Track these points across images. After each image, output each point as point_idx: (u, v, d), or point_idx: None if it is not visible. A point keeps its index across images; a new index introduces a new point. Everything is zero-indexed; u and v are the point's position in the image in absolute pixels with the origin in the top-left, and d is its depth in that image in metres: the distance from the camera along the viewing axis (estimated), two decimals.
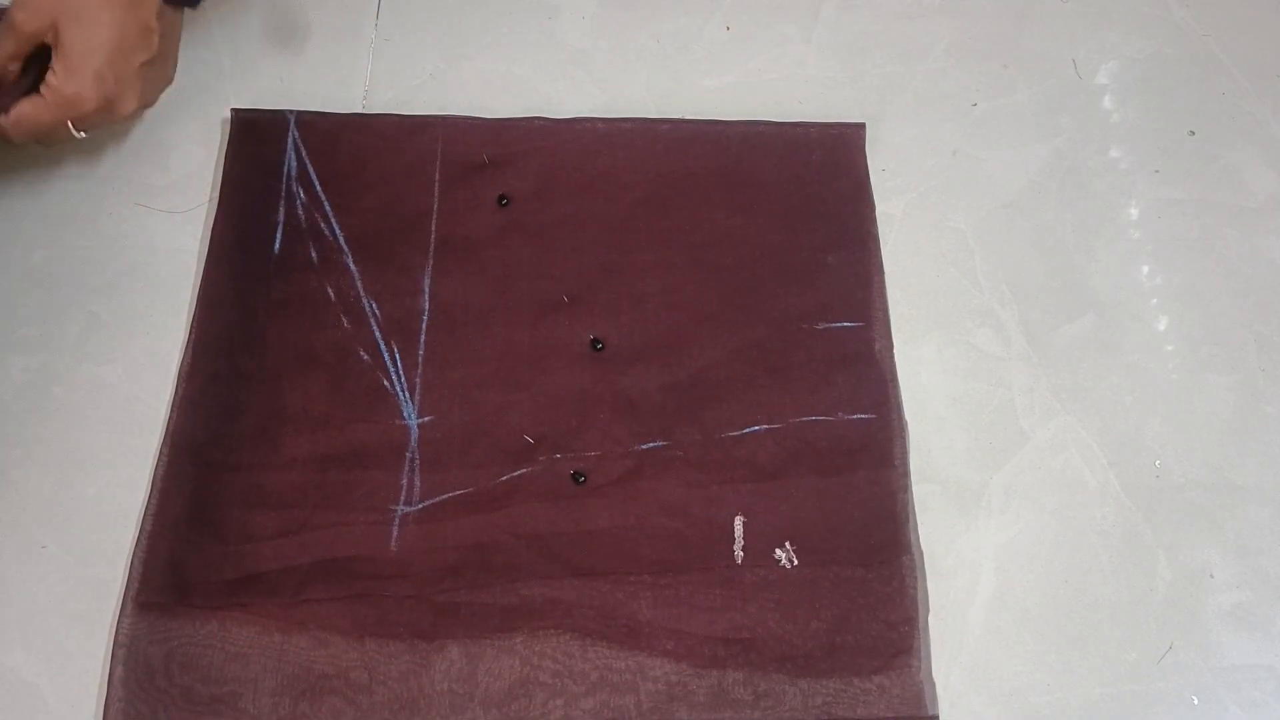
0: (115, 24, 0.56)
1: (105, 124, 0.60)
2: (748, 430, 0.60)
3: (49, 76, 0.57)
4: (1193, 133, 0.71)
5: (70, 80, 0.56)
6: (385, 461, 0.58)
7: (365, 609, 0.54)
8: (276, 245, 0.63)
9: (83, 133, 0.59)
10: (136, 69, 0.58)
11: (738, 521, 0.57)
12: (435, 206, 0.65)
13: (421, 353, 0.61)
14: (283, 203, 0.64)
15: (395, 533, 0.56)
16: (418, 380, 0.60)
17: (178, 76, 0.64)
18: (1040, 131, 0.70)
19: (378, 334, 0.61)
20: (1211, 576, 0.57)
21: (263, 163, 0.66)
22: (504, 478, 0.58)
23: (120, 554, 0.55)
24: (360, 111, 0.68)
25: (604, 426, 0.59)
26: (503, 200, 0.66)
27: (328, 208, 0.64)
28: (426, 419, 0.59)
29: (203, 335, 0.61)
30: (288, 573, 0.55)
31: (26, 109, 0.57)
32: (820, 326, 0.63)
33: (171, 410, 0.59)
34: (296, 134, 0.66)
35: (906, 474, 0.59)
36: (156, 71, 0.61)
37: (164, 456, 0.57)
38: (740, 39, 0.73)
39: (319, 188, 0.65)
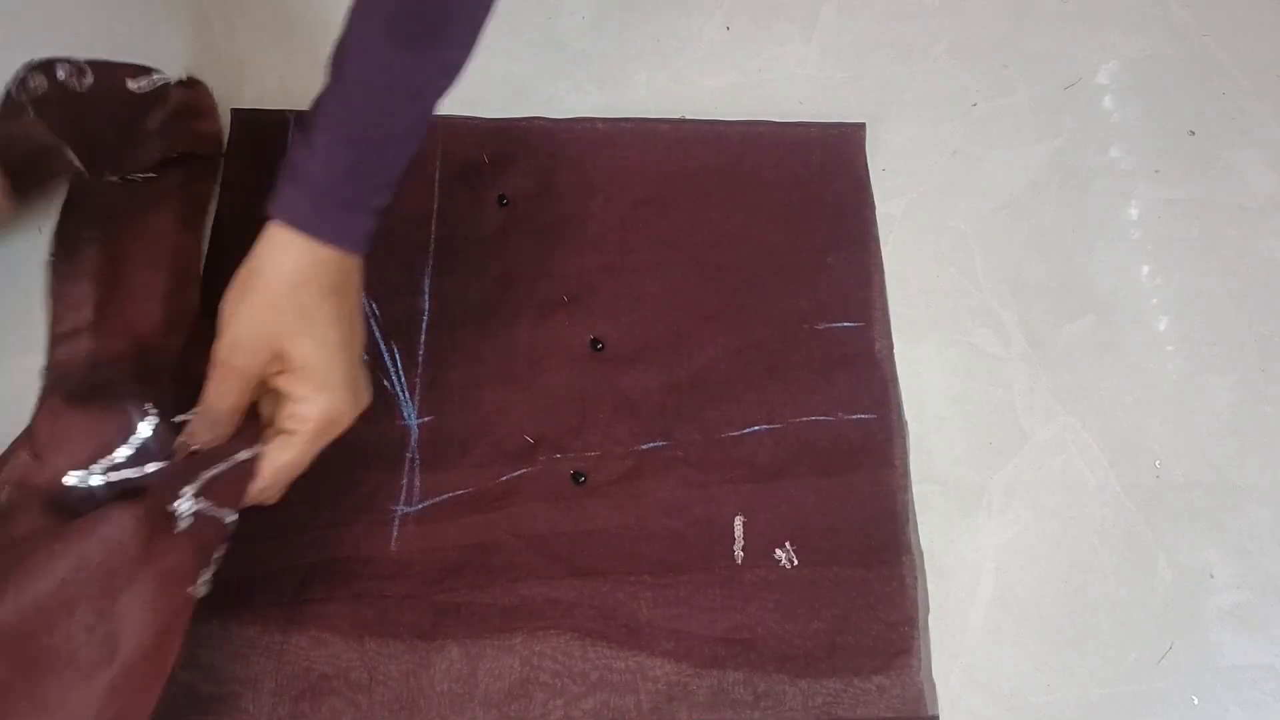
0: (338, 319, 0.48)
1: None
2: (748, 430, 0.60)
3: (294, 408, 0.48)
4: (1193, 133, 0.71)
5: (326, 400, 0.48)
6: (385, 462, 0.58)
7: (365, 609, 0.54)
8: None
9: None
10: (361, 365, 0.50)
11: (738, 521, 0.57)
12: (435, 206, 0.65)
13: (421, 353, 0.61)
14: None
15: (395, 533, 0.56)
16: (418, 380, 0.60)
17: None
18: (1040, 131, 0.70)
19: (377, 334, 0.61)
20: (1211, 577, 0.57)
21: (263, 163, 0.66)
22: (504, 478, 0.58)
23: None
24: None
25: (604, 426, 0.59)
26: (503, 200, 0.66)
27: None
28: (426, 419, 0.59)
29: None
30: (288, 573, 0.55)
31: (285, 458, 0.48)
32: (820, 326, 0.63)
33: None
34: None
35: (906, 474, 0.59)
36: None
37: None
38: (740, 39, 0.73)
39: None
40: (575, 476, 0.58)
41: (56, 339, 0.58)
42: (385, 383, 0.60)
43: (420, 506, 0.57)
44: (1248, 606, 0.57)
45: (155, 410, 0.50)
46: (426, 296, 0.63)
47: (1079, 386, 0.62)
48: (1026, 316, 0.64)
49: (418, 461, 0.58)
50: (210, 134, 0.64)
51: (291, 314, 0.47)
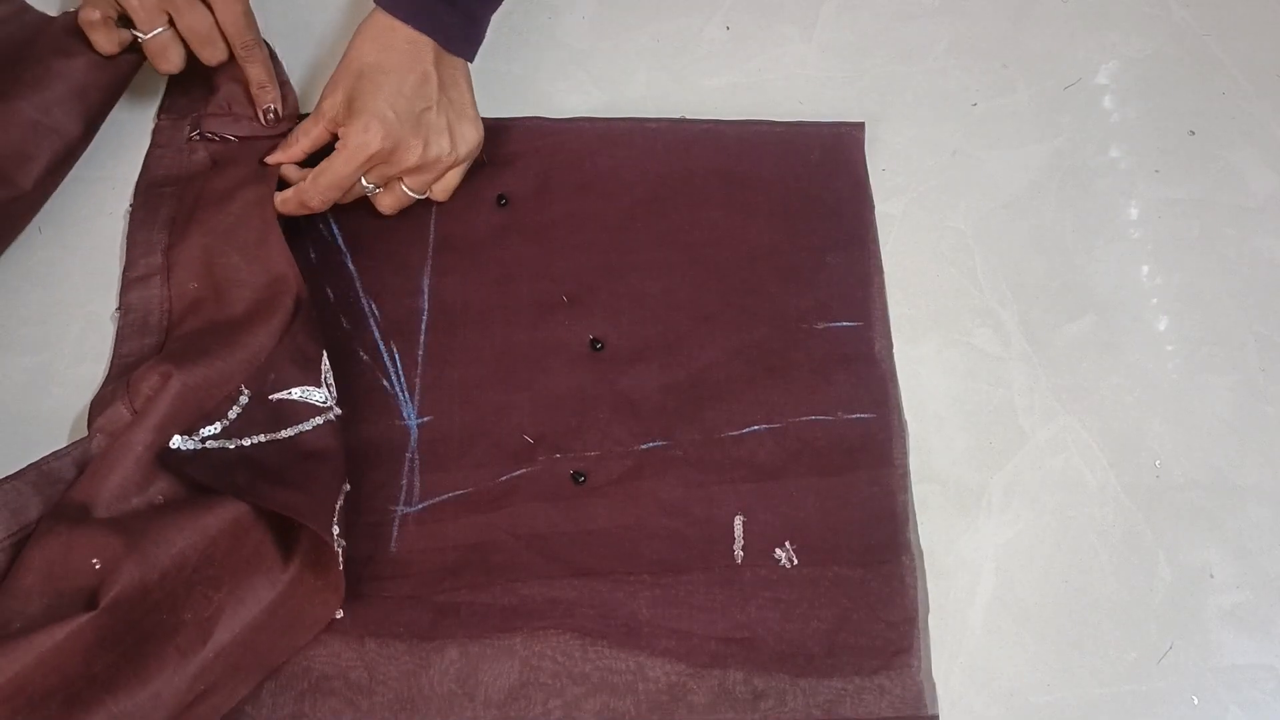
0: (394, 71, 0.59)
1: (394, 175, 0.61)
2: (747, 430, 0.60)
3: (339, 131, 0.60)
4: (1193, 133, 0.71)
5: (355, 125, 0.58)
6: (385, 462, 0.58)
7: (365, 609, 0.54)
8: None
9: (374, 186, 0.61)
10: (418, 115, 0.59)
11: (737, 521, 0.57)
12: (434, 206, 0.65)
13: (421, 353, 0.61)
14: None
15: (395, 533, 0.56)
16: (417, 380, 0.60)
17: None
18: (1040, 131, 0.70)
19: (377, 334, 0.61)
20: (1211, 576, 0.57)
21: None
22: (504, 478, 0.58)
23: None
24: None
25: (604, 426, 0.59)
26: (502, 200, 0.66)
27: None
28: (426, 419, 0.59)
29: None
30: None
31: (323, 164, 0.60)
32: (820, 326, 0.63)
33: None
34: None
35: (906, 474, 0.59)
36: (451, 123, 0.61)
37: None
38: (740, 39, 0.73)
39: None
40: (575, 476, 0.58)
41: (129, 284, 0.61)
42: (385, 383, 0.60)
43: (420, 506, 0.57)
44: (1248, 606, 0.57)
45: (249, 390, 0.54)
46: (426, 296, 0.63)
47: (1079, 386, 0.62)
48: (1026, 316, 0.64)
49: (417, 461, 0.58)
50: (282, 82, 0.66)
51: (362, 71, 0.59)
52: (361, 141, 0.58)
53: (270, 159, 0.62)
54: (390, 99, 0.59)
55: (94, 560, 0.48)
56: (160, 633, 0.49)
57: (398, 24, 0.59)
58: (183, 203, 0.63)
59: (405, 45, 0.59)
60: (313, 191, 0.60)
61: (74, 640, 0.46)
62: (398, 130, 0.59)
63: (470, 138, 0.62)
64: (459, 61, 0.62)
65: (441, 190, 0.63)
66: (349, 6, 0.73)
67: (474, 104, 0.63)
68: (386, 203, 0.62)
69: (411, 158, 0.60)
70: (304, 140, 0.61)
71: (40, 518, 0.51)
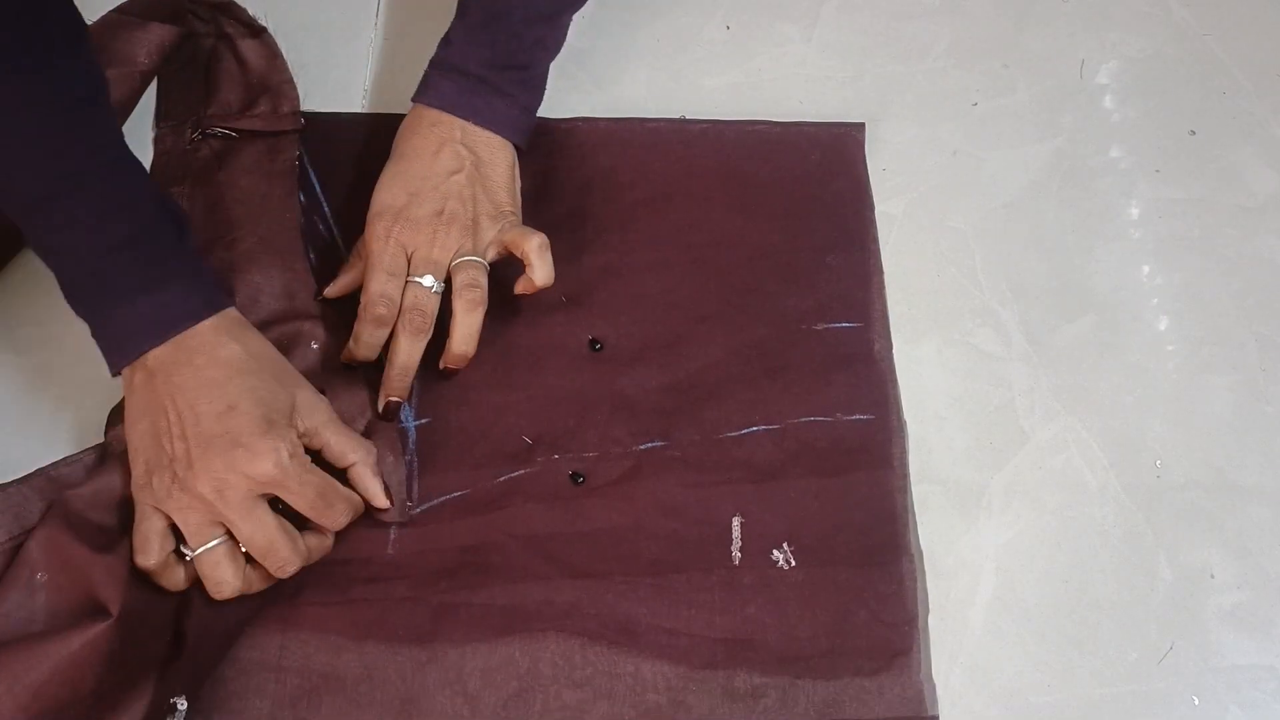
0: (444, 161, 0.60)
1: (423, 249, 0.59)
2: (746, 431, 0.60)
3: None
4: (1193, 132, 0.71)
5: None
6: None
7: (364, 611, 0.54)
8: None
9: (434, 281, 0.58)
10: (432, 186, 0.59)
11: (735, 522, 0.57)
12: None
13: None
14: None
15: (393, 535, 0.56)
16: (416, 381, 0.60)
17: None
18: (1040, 131, 0.70)
19: None
20: (1211, 576, 0.57)
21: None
22: (502, 479, 0.58)
23: None
24: (360, 111, 0.68)
25: (602, 427, 0.59)
26: None
27: (326, 209, 0.64)
28: (424, 420, 0.59)
29: None
30: None
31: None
32: (820, 327, 0.63)
33: None
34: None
35: (905, 474, 0.59)
36: (476, 197, 0.61)
37: None
38: (740, 39, 0.73)
39: (318, 189, 0.65)
40: (574, 477, 0.58)
41: None
42: None
43: (418, 509, 0.57)
44: (1248, 606, 0.57)
45: None
46: None
47: (1079, 386, 0.62)
48: (1026, 316, 0.64)
49: (415, 463, 0.58)
50: (284, 81, 0.66)
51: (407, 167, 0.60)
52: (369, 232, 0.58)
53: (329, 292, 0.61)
54: (434, 192, 0.58)
55: (95, 568, 0.49)
56: (153, 646, 0.49)
57: (449, 119, 0.60)
58: (194, 205, 0.62)
59: (463, 143, 0.59)
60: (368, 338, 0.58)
61: (89, 650, 0.47)
62: (402, 200, 0.58)
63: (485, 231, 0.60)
64: (495, 140, 0.61)
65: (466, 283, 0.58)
66: (354, 1, 0.73)
67: (509, 191, 0.61)
68: (465, 302, 0.57)
69: (422, 212, 0.58)
70: (398, 278, 0.58)
71: (42, 517, 0.51)
